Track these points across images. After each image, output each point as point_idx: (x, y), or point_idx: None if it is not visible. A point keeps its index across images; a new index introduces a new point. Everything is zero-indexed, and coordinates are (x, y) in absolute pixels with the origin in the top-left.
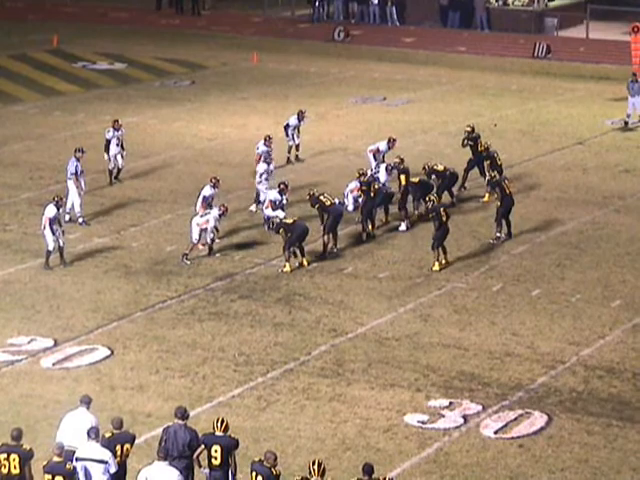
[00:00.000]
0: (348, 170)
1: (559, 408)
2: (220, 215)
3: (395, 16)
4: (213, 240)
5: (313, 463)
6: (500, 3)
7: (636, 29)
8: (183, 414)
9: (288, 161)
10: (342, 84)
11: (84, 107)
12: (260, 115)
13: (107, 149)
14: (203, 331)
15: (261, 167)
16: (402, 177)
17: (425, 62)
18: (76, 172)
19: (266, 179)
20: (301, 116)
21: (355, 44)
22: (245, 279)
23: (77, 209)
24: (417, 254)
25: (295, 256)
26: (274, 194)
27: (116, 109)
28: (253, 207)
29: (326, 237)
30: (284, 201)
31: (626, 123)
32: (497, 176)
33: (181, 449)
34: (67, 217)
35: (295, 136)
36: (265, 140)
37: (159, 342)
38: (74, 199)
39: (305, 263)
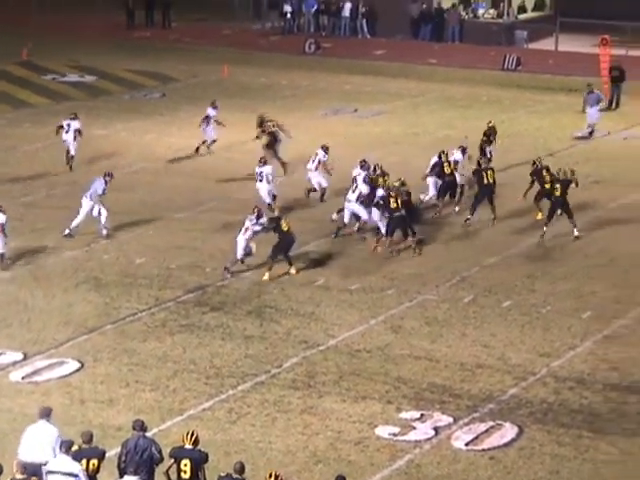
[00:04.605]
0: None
1: (530, 419)
2: (257, 220)
3: (366, 28)
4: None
5: (270, 476)
6: (471, 15)
7: (605, 41)
8: (141, 426)
9: (197, 150)
10: (313, 96)
11: (54, 119)
12: (230, 128)
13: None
14: (174, 344)
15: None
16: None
17: (396, 74)
18: (103, 193)
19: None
20: (213, 105)
21: (326, 56)
22: (216, 291)
23: (75, 224)
24: (388, 266)
25: (290, 264)
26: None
27: (86, 121)
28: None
29: None
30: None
31: (591, 133)
32: (482, 165)
33: (141, 461)
34: (66, 232)
35: (212, 130)
36: (324, 149)
37: (129, 355)
38: (82, 217)
39: (293, 271)
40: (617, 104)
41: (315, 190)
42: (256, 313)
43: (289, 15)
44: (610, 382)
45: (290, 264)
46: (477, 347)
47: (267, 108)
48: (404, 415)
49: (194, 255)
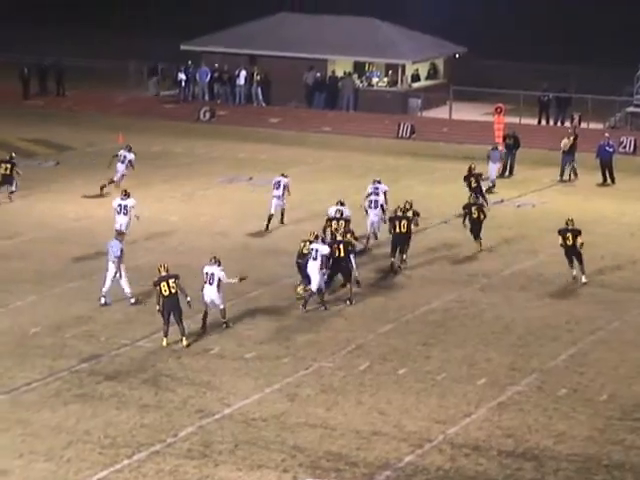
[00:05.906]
0: (214, 250)
1: None
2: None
3: (261, 96)
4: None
5: None
6: (365, 84)
7: (499, 110)
8: None
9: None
10: (208, 164)
11: None
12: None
13: None
14: (68, 414)
15: None
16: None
17: (291, 142)
18: (121, 253)
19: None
20: (128, 148)
21: (221, 124)
22: (111, 360)
23: (106, 289)
24: (283, 334)
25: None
26: None
27: None
28: None
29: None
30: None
31: (489, 188)
32: (397, 213)
33: None
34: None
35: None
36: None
37: (23, 425)
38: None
39: (183, 343)
40: (511, 172)
41: (272, 216)
42: (151, 382)
43: (183, 83)
44: (505, 449)
45: (182, 334)
46: (373, 414)
47: (162, 175)
48: None
49: (88, 324)
